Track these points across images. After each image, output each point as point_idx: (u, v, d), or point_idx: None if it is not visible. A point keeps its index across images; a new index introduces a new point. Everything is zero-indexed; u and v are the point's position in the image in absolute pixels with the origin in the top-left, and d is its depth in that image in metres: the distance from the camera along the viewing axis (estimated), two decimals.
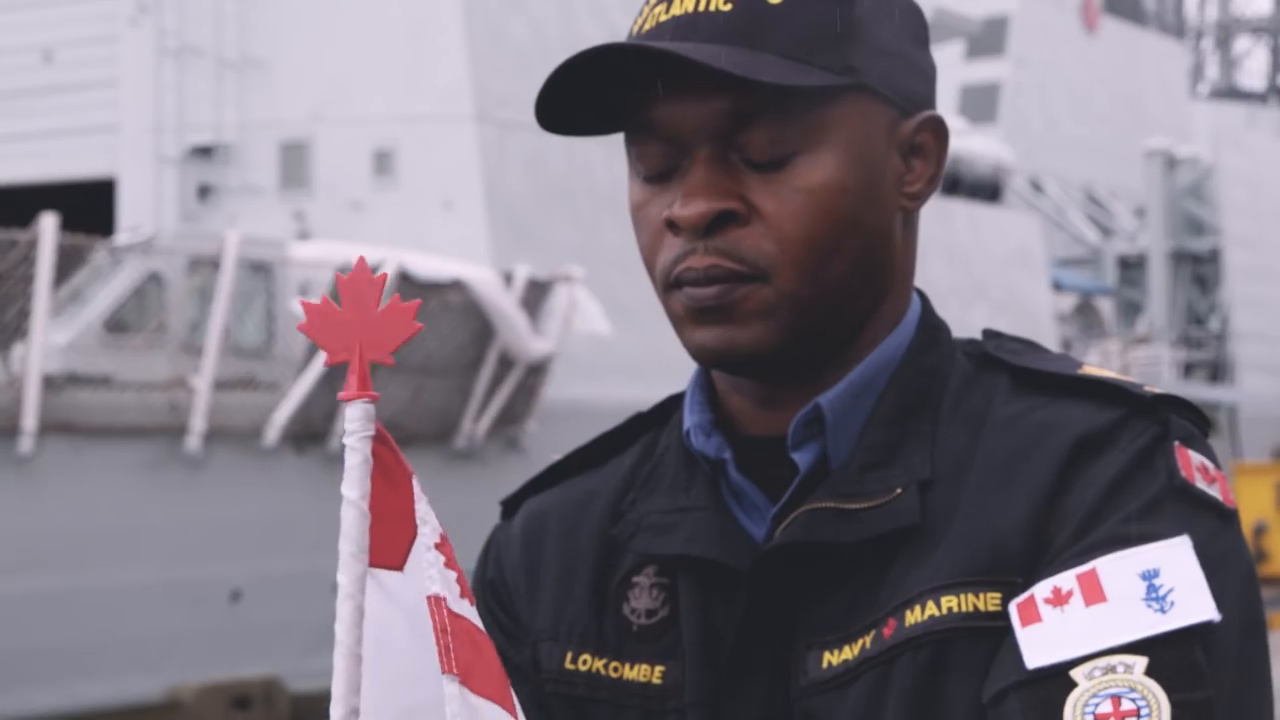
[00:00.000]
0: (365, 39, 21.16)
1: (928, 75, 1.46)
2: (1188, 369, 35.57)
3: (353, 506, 1.18)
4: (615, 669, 1.47)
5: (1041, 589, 1.31)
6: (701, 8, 1.38)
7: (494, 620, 1.53)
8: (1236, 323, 36.66)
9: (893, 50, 1.42)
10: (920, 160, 1.44)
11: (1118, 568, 1.30)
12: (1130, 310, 38.47)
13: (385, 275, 1.22)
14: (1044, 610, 1.30)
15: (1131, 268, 38.84)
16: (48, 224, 13.55)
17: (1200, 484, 1.34)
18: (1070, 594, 1.30)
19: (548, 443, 17.35)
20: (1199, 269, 37.81)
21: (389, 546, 1.21)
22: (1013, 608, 1.31)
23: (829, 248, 1.38)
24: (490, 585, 1.55)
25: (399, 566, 1.22)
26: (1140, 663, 1.27)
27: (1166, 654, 1.27)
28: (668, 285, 1.40)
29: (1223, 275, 36.97)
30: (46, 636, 13.69)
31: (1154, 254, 37.50)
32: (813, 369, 1.43)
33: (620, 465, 1.55)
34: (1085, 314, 35.53)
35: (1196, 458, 1.36)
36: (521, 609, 1.53)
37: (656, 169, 1.41)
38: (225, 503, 14.86)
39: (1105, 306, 36.67)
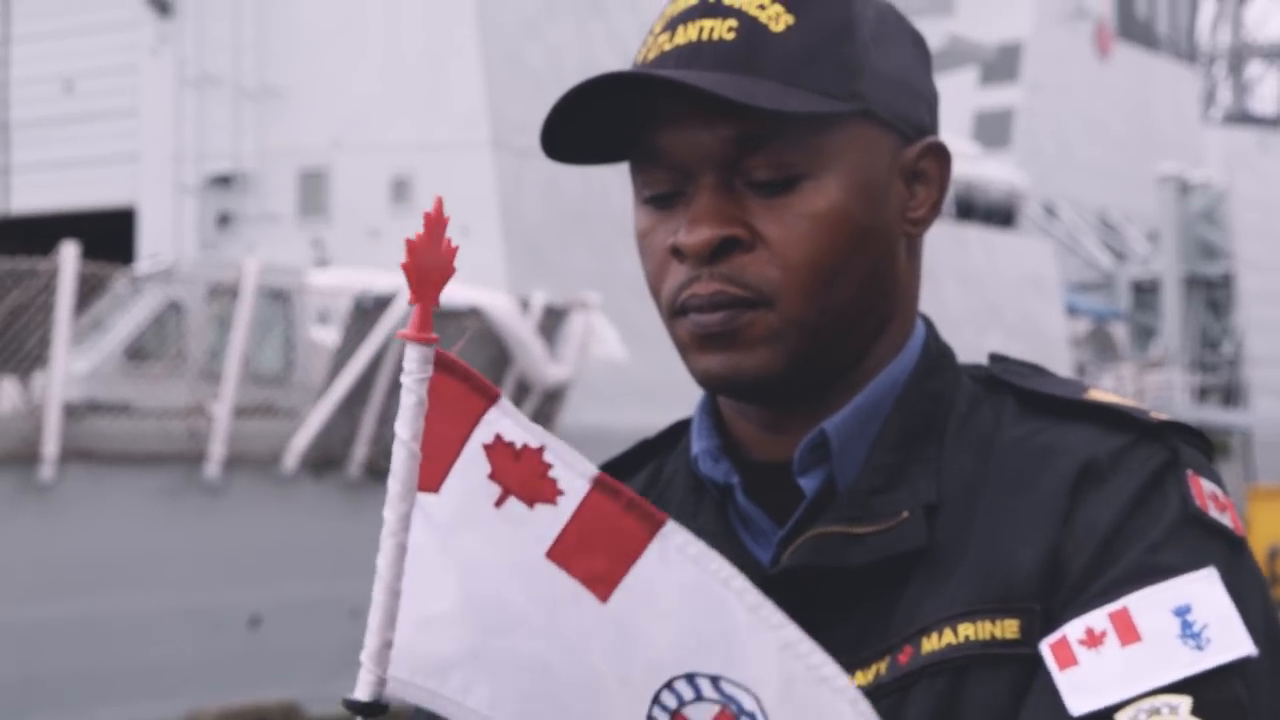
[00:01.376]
0: (383, 67, 21.18)
1: (930, 101, 1.47)
2: (1202, 393, 35.52)
3: (404, 446, 1.20)
4: None
5: (1074, 630, 1.31)
6: (705, 37, 1.39)
7: None
8: (1250, 347, 36.61)
9: (895, 76, 1.42)
10: (923, 186, 1.45)
11: (1149, 604, 1.30)
12: (1144, 335, 38.39)
13: (447, 219, 1.24)
14: (1079, 652, 1.30)
15: (1145, 292, 38.76)
16: (68, 253, 13.55)
17: (1213, 513, 1.35)
18: (1104, 634, 1.30)
19: None
20: (1212, 293, 37.76)
21: (428, 474, 1.24)
22: (1045, 649, 1.32)
23: (833, 273, 1.38)
24: None
25: (435, 489, 1.26)
26: (1185, 703, 1.27)
27: (1209, 692, 1.27)
28: (673, 312, 1.41)
29: (1236, 299, 36.93)
30: (66, 662, 13.69)
31: (1167, 278, 37.46)
32: (818, 394, 1.43)
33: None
34: (1099, 338, 35.47)
35: (1208, 486, 1.37)
36: None
37: (662, 195, 1.42)
38: (244, 529, 14.83)
39: (1119, 331, 36.61)
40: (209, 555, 14.58)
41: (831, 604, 1.40)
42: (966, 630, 1.34)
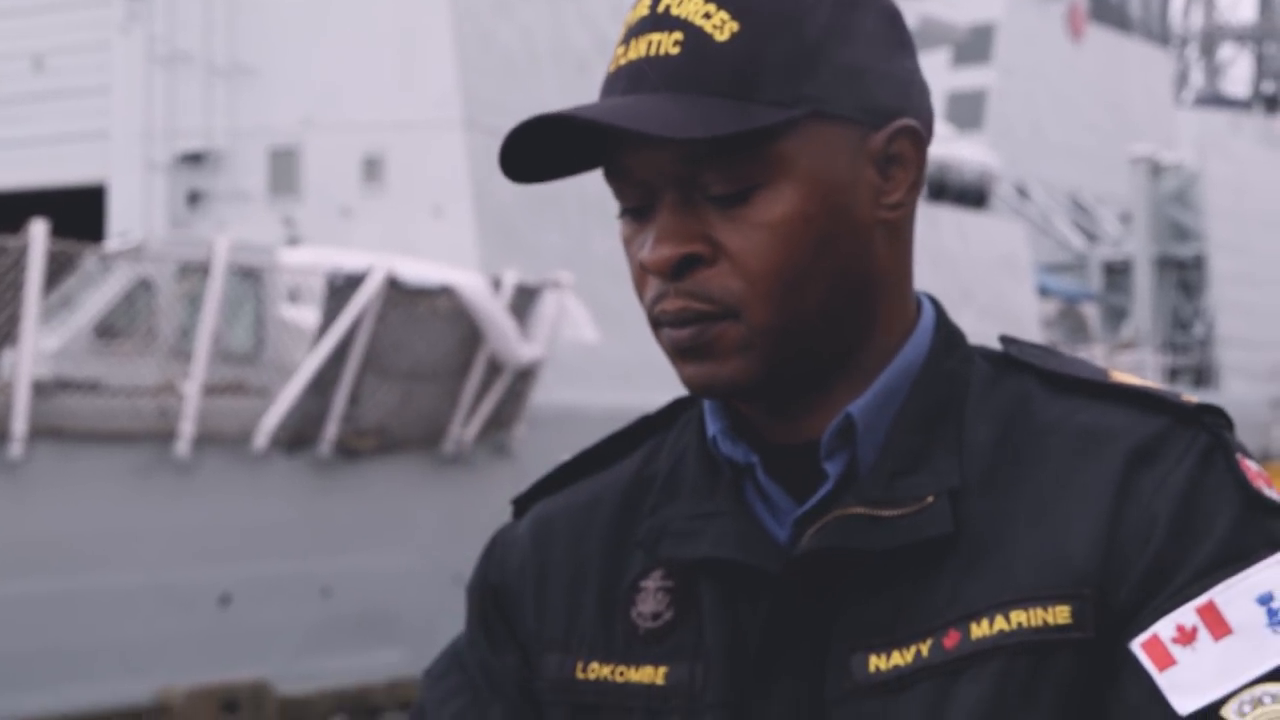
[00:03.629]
0: (354, 46, 21.06)
1: (902, 80, 1.44)
2: (1172, 374, 35.56)
3: None
4: (621, 673, 1.47)
5: (1165, 628, 1.33)
6: (653, 51, 1.39)
7: (483, 626, 1.55)
8: (1221, 328, 36.68)
9: (855, 65, 1.40)
10: (899, 169, 1.43)
11: (1233, 596, 1.33)
12: (1115, 316, 38.44)
13: None
14: (1175, 651, 1.32)
15: (1117, 273, 38.80)
16: (38, 230, 13.48)
17: (1267, 491, 1.38)
18: (1195, 630, 1.32)
19: (536, 448, 17.38)
20: (1184, 275, 37.80)
21: None
22: (1137, 649, 1.33)
23: (796, 278, 1.38)
24: (493, 590, 1.56)
25: None
26: None
27: None
28: (652, 323, 1.43)
29: (1207, 281, 36.99)
30: (35, 640, 13.64)
31: (1139, 260, 37.50)
32: (814, 385, 1.43)
33: (625, 468, 1.55)
34: (1070, 319, 35.50)
35: (1253, 465, 1.39)
36: (526, 614, 1.53)
37: (634, 207, 1.42)
38: (214, 507, 14.77)
39: (1090, 312, 36.65)
40: (179, 534, 14.53)
41: (858, 584, 1.40)
42: (1019, 617, 1.35)
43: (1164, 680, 1.32)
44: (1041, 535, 1.37)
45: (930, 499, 1.39)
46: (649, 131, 1.34)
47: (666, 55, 1.38)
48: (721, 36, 1.37)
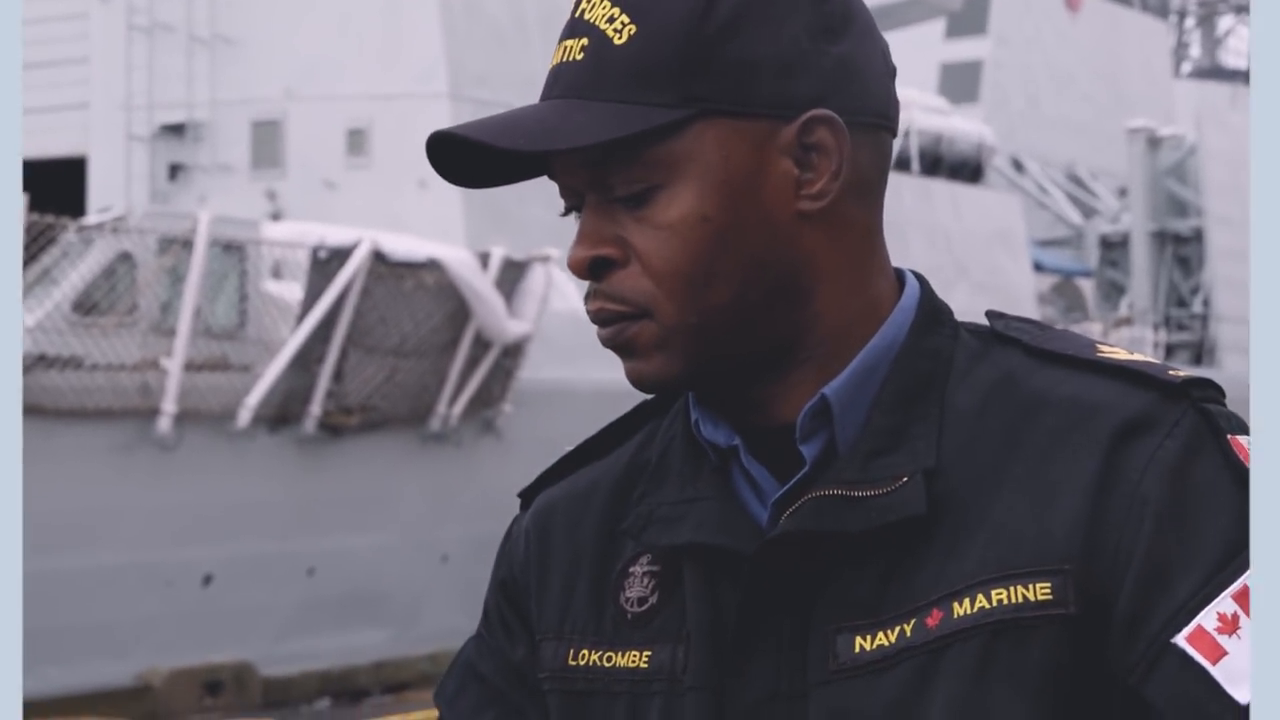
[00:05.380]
0: (339, 16, 21.08)
1: (821, 68, 1.42)
2: (1170, 350, 35.43)
3: None
4: (609, 659, 1.50)
5: (1208, 620, 1.34)
6: (566, 58, 1.43)
7: (502, 625, 1.58)
8: (1219, 304, 36.53)
9: (757, 60, 1.40)
10: (822, 157, 1.42)
11: None
12: (1112, 291, 38.33)
13: None
14: (1223, 641, 1.34)
15: (1113, 248, 38.68)
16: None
17: None
18: (1236, 616, 1.34)
19: (523, 425, 17.22)
20: (1182, 250, 37.63)
21: None
22: (1184, 643, 1.34)
23: (702, 276, 1.40)
24: (502, 584, 1.59)
25: None
26: None
27: None
28: None
29: (1206, 256, 36.85)
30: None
31: (1136, 234, 37.35)
32: (761, 375, 1.44)
33: (621, 455, 1.58)
34: (1066, 294, 35.40)
35: (1245, 440, 1.39)
36: (530, 606, 1.56)
37: (572, 207, 1.47)
38: (197, 486, 14.76)
39: (1087, 287, 36.55)
40: (161, 513, 14.52)
41: (841, 564, 1.41)
42: (999, 595, 1.36)
43: (1220, 672, 1.33)
44: (1024, 510, 1.38)
45: (904, 479, 1.40)
46: (499, 145, 1.38)
47: (573, 61, 1.42)
48: (620, 40, 1.40)
